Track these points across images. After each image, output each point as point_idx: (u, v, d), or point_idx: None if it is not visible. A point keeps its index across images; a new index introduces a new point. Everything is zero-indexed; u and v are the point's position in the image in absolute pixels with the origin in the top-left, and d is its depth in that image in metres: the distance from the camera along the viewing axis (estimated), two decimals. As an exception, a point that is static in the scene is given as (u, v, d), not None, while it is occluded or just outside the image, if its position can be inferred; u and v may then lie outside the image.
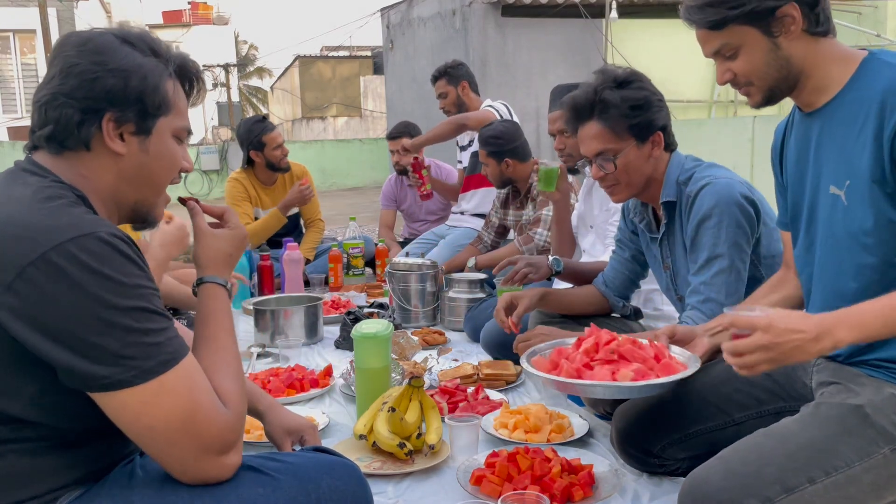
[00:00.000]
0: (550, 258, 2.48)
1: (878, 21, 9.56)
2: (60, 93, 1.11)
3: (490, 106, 4.13)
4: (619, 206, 2.60)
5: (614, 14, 9.19)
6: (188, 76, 1.24)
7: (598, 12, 9.57)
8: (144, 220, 1.26)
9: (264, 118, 4.38)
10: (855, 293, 1.38)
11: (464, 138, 4.42)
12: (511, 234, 3.84)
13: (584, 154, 2.01)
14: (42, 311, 0.98)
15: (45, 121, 1.12)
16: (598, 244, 2.77)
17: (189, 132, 1.25)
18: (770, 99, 1.52)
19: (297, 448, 1.55)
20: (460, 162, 4.53)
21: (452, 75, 4.25)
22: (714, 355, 1.73)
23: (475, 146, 4.02)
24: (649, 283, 2.38)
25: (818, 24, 1.44)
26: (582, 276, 2.47)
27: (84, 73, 1.11)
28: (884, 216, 1.37)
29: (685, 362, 1.67)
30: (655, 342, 1.69)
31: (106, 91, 1.11)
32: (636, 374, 1.58)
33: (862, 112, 1.39)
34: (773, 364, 1.25)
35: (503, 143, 3.43)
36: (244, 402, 1.15)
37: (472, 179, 4.27)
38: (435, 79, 4.32)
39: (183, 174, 1.29)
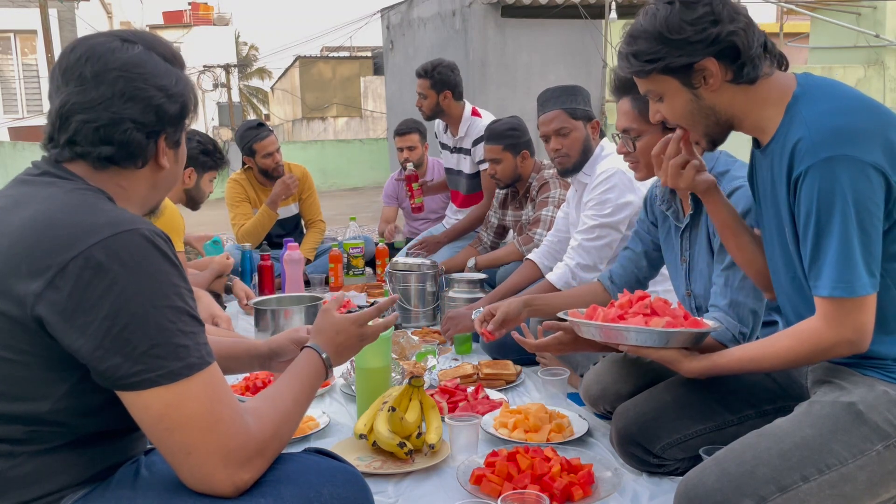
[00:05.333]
0: (474, 311, 2.48)
1: (878, 21, 9.57)
2: (127, 118, 1.12)
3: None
4: (582, 216, 2.63)
5: (614, 15, 9.19)
6: None
7: (598, 13, 9.57)
8: (152, 213, 1.34)
9: (260, 124, 4.35)
10: None
11: (445, 138, 4.30)
12: (510, 235, 3.85)
13: (616, 126, 2.06)
14: (80, 305, 0.99)
15: (103, 141, 1.12)
16: None
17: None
18: (712, 142, 1.55)
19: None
20: (441, 152, 4.47)
21: (437, 80, 3.99)
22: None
23: (470, 149, 3.99)
24: (650, 285, 2.38)
25: (742, 75, 1.43)
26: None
27: (150, 99, 1.14)
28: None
29: (709, 324, 1.68)
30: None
31: (169, 115, 1.17)
32: (668, 325, 1.59)
33: (783, 163, 1.41)
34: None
35: (520, 135, 3.39)
36: (275, 436, 1.14)
37: (474, 198, 4.22)
38: (418, 75, 4.05)
39: None
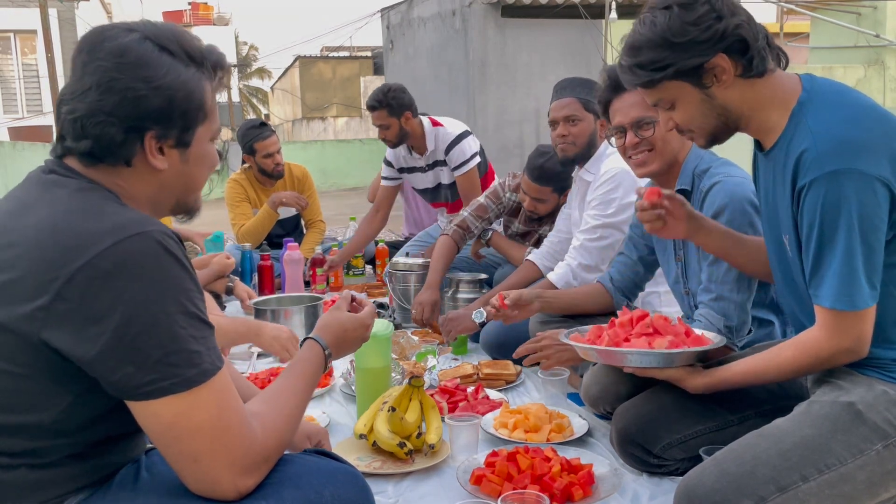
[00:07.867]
0: (474, 312, 2.50)
1: (878, 21, 9.56)
2: (101, 110, 1.04)
3: (463, 146, 3.84)
4: (583, 217, 2.62)
5: (614, 15, 9.19)
6: (218, 73, 1.18)
7: (598, 13, 9.57)
8: (186, 213, 1.24)
9: (262, 124, 4.36)
10: None
11: (412, 160, 4.15)
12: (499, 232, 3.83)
13: (620, 123, 2.00)
14: (90, 316, 0.97)
15: (81, 135, 1.06)
16: None
17: (219, 130, 1.22)
18: (713, 141, 1.54)
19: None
20: (412, 171, 4.27)
21: (394, 106, 3.82)
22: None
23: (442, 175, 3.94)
24: (648, 286, 2.38)
25: (751, 68, 1.42)
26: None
27: (127, 91, 1.04)
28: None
29: (711, 337, 1.71)
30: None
31: (151, 110, 1.06)
32: (671, 344, 1.61)
33: (787, 172, 1.40)
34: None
35: (568, 175, 3.14)
36: (280, 443, 1.14)
37: (461, 204, 4.16)
38: (373, 108, 3.87)
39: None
